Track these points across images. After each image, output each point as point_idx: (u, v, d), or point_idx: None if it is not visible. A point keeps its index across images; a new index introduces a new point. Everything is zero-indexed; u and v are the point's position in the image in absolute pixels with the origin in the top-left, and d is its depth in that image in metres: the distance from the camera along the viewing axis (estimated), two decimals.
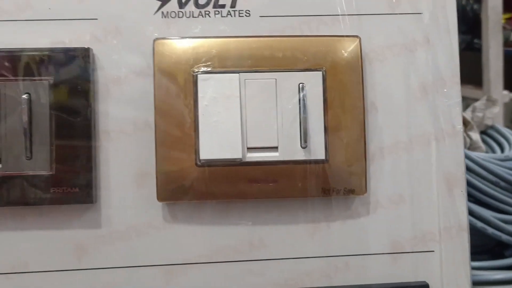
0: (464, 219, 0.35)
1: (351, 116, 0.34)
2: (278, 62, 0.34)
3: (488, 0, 1.46)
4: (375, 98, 0.35)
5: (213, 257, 0.34)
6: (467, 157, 0.61)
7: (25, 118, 0.32)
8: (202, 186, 0.33)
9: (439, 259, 0.35)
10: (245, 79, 0.34)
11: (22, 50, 0.33)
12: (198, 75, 0.33)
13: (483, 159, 0.66)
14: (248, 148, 0.33)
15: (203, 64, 0.34)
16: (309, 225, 0.34)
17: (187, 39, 0.34)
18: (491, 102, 0.79)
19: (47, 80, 0.33)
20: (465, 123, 0.73)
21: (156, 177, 0.33)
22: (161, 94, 0.33)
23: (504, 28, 1.53)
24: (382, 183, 0.35)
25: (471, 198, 0.63)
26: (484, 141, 0.78)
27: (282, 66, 0.34)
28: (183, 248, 0.34)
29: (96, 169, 0.33)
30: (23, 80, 0.32)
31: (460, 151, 0.35)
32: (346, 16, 0.35)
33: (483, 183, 0.65)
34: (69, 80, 0.33)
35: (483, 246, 0.66)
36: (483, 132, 0.80)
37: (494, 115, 0.79)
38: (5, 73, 0.32)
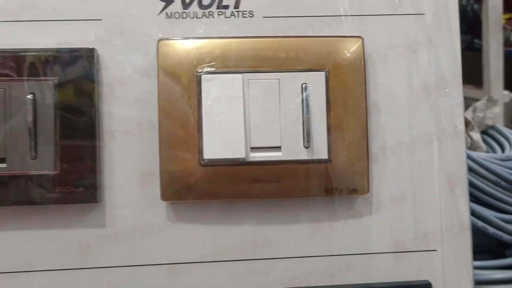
0: (466, 218, 0.35)
1: (354, 116, 0.34)
2: (281, 62, 0.34)
3: (488, 0, 1.46)
4: (378, 98, 0.35)
5: (217, 256, 0.34)
6: (468, 157, 0.61)
7: (30, 118, 0.32)
8: (205, 185, 0.33)
9: (442, 258, 0.35)
10: (248, 79, 0.34)
11: (27, 50, 0.33)
12: (202, 75, 0.34)
13: (484, 159, 0.66)
14: (251, 148, 0.33)
15: (207, 65, 0.34)
16: (312, 225, 0.35)
17: (191, 40, 0.34)
18: (491, 102, 0.79)
19: (51, 80, 0.33)
20: (466, 123, 0.73)
21: (160, 177, 0.33)
22: (165, 94, 0.34)
23: (504, 28, 1.53)
24: (385, 183, 0.35)
25: (472, 197, 0.64)
26: (484, 141, 0.78)
27: (285, 67, 0.34)
28: (187, 248, 0.34)
29: (100, 168, 0.34)
30: (28, 80, 0.33)
31: (462, 151, 0.35)
32: (349, 16, 0.35)
33: (484, 183, 0.66)
34: (73, 80, 0.33)
35: (484, 246, 0.66)
36: (483, 132, 0.80)
37: (495, 115, 0.79)
38: (10, 73, 0.33)
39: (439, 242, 0.35)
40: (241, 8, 0.35)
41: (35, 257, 0.33)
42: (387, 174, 0.35)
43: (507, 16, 1.65)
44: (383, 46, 0.35)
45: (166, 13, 0.35)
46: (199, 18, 0.35)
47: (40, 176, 0.32)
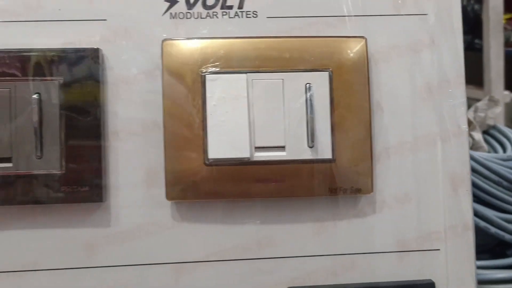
0: (469, 218, 0.35)
1: (357, 116, 0.35)
2: (285, 62, 0.34)
3: (489, 1, 1.46)
4: (381, 98, 0.36)
5: (222, 255, 0.34)
6: (470, 157, 0.61)
7: (35, 118, 0.32)
8: (210, 185, 0.34)
9: (445, 257, 0.35)
10: (252, 79, 0.34)
11: (32, 50, 0.33)
12: (206, 75, 0.34)
13: (485, 159, 0.67)
14: (255, 148, 0.34)
15: (211, 65, 0.34)
16: (316, 224, 0.35)
17: (195, 40, 0.34)
18: (493, 102, 0.79)
19: (57, 80, 0.33)
20: (468, 123, 0.74)
21: (165, 176, 0.33)
22: (169, 94, 0.34)
23: (505, 28, 1.53)
24: (388, 182, 0.35)
25: (474, 197, 0.64)
26: (486, 141, 0.78)
27: (289, 67, 0.34)
28: (191, 247, 0.34)
29: (105, 168, 0.34)
30: (33, 80, 0.33)
31: (465, 150, 0.36)
32: (352, 17, 0.36)
33: (485, 183, 0.66)
34: (78, 80, 0.33)
35: (485, 246, 0.67)
36: (485, 132, 0.81)
37: (496, 115, 0.79)
38: (16, 73, 0.33)
39: (443, 241, 0.35)
40: (245, 8, 0.35)
41: (41, 256, 0.33)
42: (390, 174, 0.35)
43: (508, 16, 1.65)
44: (386, 46, 0.36)
45: (171, 14, 0.35)
46: (203, 18, 0.35)
47: (46, 175, 0.33)
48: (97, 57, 0.33)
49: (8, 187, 0.32)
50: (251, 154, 0.33)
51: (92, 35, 0.34)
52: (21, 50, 0.33)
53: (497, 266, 0.65)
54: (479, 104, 0.80)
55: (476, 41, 1.60)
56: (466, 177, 0.36)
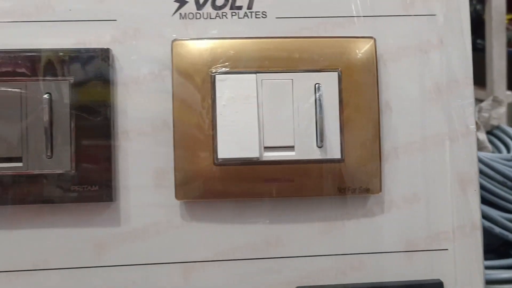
0: (477, 217, 0.36)
1: (366, 116, 0.35)
2: (294, 62, 0.35)
3: (491, 1, 1.46)
4: (390, 98, 0.36)
5: (230, 255, 0.34)
6: None
7: (46, 117, 0.32)
8: (219, 185, 0.34)
9: (453, 257, 0.35)
10: (262, 80, 0.34)
11: (43, 50, 0.33)
12: (216, 75, 0.34)
13: (490, 159, 0.67)
14: (265, 148, 0.34)
15: (221, 65, 0.34)
16: (325, 224, 0.35)
17: (205, 40, 0.34)
18: (497, 102, 0.79)
19: (67, 80, 0.33)
20: None
21: (174, 176, 0.34)
22: (179, 94, 0.34)
23: (507, 28, 1.53)
24: (397, 182, 0.35)
25: None
26: (490, 141, 0.79)
27: (298, 67, 0.34)
28: (200, 246, 0.34)
29: (115, 168, 0.34)
30: (44, 80, 0.33)
31: (474, 150, 0.36)
32: (361, 17, 0.36)
33: (490, 183, 0.66)
34: (89, 80, 0.33)
35: (489, 246, 0.67)
36: (488, 132, 0.81)
37: (500, 115, 0.79)
38: (26, 73, 0.33)
39: (451, 241, 0.35)
40: (254, 8, 0.35)
41: (51, 255, 0.33)
42: (399, 174, 0.35)
43: (510, 16, 1.65)
44: (395, 47, 0.36)
45: (180, 14, 0.35)
46: (213, 18, 0.35)
47: (56, 175, 0.33)
48: (107, 57, 0.34)
49: (18, 186, 0.33)
50: (261, 154, 0.33)
51: (102, 35, 0.34)
52: (32, 50, 0.33)
53: (502, 266, 0.65)
54: (483, 104, 0.80)
55: (479, 41, 1.60)
56: (474, 177, 0.36)
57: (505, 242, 0.66)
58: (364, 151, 0.35)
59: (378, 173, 0.35)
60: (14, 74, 0.33)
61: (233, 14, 0.35)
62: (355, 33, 0.35)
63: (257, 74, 0.34)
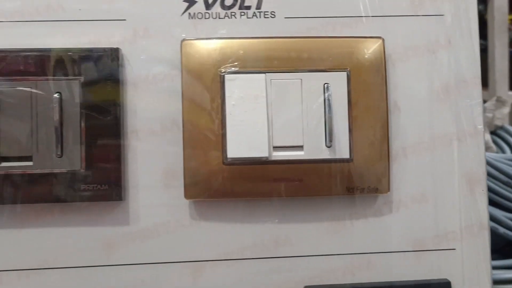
0: (485, 217, 0.36)
1: (375, 116, 0.35)
2: (303, 62, 0.35)
3: (493, 1, 1.46)
4: (398, 98, 0.36)
5: (240, 254, 0.34)
6: None
7: (56, 116, 0.33)
8: (228, 184, 0.34)
9: (461, 257, 0.36)
10: (271, 79, 0.34)
11: (53, 50, 0.33)
12: (225, 75, 0.34)
13: (494, 159, 0.67)
14: (274, 147, 0.34)
15: (230, 65, 0.34)
16: (334, 223, 0.35)
17: (214, 40, 0.35)
18: (500, 102, 0.79)
19: (77, 79, 0.33)
20: None
21: (184, 176, 0.34)
22: (188, 94, 0.34)
23: (509, 29, 1.53)
24: (405, 182, 0.35)
25: None
26: (494, 141, 0.79)
27: (307, 67, 0.35)
28: (209, 245, 0.34)
29: (125, 167, 0.34)
30: (54, 79, 0.33)
31: (481, 150, 0.36)
32: (370, 17, 0.36)
33: (494, 183, 0.66)
34: (98, 79, 0.33)
35: (494, 246, 0.67)
36: (492, 133, 0.81)
37: (504, 116, 0.79)
38: (37, 73, 0.33)
39: (459, 241, 0.36)
40: (263, 8, 0.35)
41: (61, 254, 0.34)
42: (407, 173, 0.36)
43: None
44: (404, 47, 0.36)
45: (189, 14, 0.35)
46: (222, 18, 0.35)
47: (66, 174, 0.33)
48: (117, 56, 0.34)
49: (28, 185, 0.33)
50: (270, 154, 0.34)
51: (112, 35, 0.34)
52: (42, 49, 0.33)
53: (506, 266, 0.65)
54: (486, 104, 0.80)
55: (481, 41, 1.60)
56: (482, 177, 0.36)
57: (509, 242, 0.66)
58: (373, 151, 0.35)
59: (386, 173, 0.35)
60: (25, 73, 0.33)
61: (242, 14, 0.35)
62: (364, 33, 0.36)
63: (266, 74, 0.34)
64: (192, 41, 0.34)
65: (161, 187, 0.34)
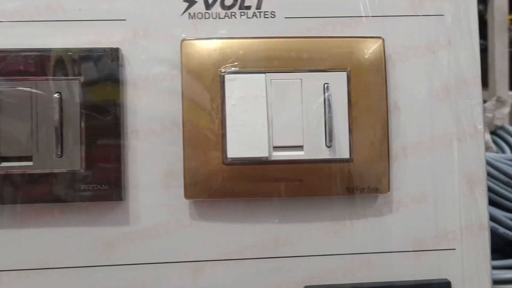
0: (485, 217, 0.36)
1: (375, 116, 0.35)
2: (303, 62, 0.35)
3: (493, 1, 1.46)
4: (398, 98, 0.36)
5: (240, 254, 0.34)
6: None
7: (56, 116, 0.33)
8: (228, 184, 0.34)
9: (461, 257, 0.36)
10: (271, 79, 0.34)
11: (53, 50, 0.33)
12: (225, 75, 0.34)
13: (494, 159, 0.67)
14: (274, 147, 0.34)
15: (230, 65, 0.34)
16: (333, 223, 0.35)
17: (214, 40, 0.35)
18: (500, 102, 0.79)
19: (77, 79, 0.33)
20: None
21: (184, 176, 0.34)
22: (188, 94, 0.34)
23: (509, 29, 1.53)
24: (405, 182, 0.35)
25: None
26: (494, 141, 0.79)
27: (307, 67, 0.35)
28: (209, 245, 0.34)
29: (124, 167, 0.34)
30: (54, 79, 0.33)
31: (481, 150, 0.36)
32: (370, 17, 0.36)
33: (494, 183, 0.66)
34: (98, 79, 0.33)
35: (493, 246, 0.67)
36: (492, 133, 0.81)
37: (504, 116, 0.79)
38: (37, 73, 0.33)
39: (459, 241, 0.36)
40: (263, 8, 0.35)
41: (60, 254, 0.34)
42: (407, 173, 0.36)
43: None
44: (403, 47, 0.36)
45: (189, 14, 0.35)
46: (222, 18, 0.35)
47: (66, 174, 0.33)
48: (117, 56, 0.34)
49: (28, 185, 0.33)
50: (270, 154, 0.34)
51: (112, 35, 0.34)
52: (42, 49, 0.33)
53: (506, 266, 0.65)
54: (486, 104, 0.80)
55: (481, 41, 1.60)
56: (482, 177, 0.36)
57: (509, 242, 0.66)
58: (373, 151, 0.35)
59: (386, 173, 0.35)
60: (25, 73, 0.33)
61: (242, 14, 0.35)
62: (364, 33, 0.36)
63: (266, 74, 0.34)
64: (192, 41, 0.35)
65: (161, 187, 0.34)
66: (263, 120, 0.34)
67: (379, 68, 0.35)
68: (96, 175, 0.33)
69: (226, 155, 0.33)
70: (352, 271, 0.35)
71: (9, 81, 0.33)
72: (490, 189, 0.66)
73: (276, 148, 0.34)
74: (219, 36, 0.35)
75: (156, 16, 0.35)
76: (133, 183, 0.34)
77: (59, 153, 0.33)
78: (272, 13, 0.35)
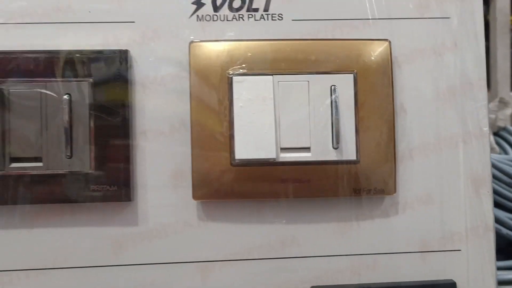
0: (490, 219, 0.36)
1: (381, 117, 0.35)
2: (310, 64, 0.35)
3: (496, 2, 1.46)
4: (404, 100, 0.36)
5: (247, 254, 0.35)
6: None
7: (66, 118, 0.33)
8: (236, 185, 0.34)
9: (466, 258, 0.36)
10: (278, 81, 0.34)
11: (63, 51, 0.34)
12: (233, 77, 0.34)
13: (497, 161, 0.67)
14: (281, 149, 0.34)
15: (238, 66, 0.34)
16: (340, 224, 0.35)
17: (222, 42, 0.35)
18: (503, 104, 0.80)
19: (87, 81, 0.33)
20: None
21: (192, 176, 0.34)
22: (197, 95, 0.34)
23: (511, 30, 1.54)
24: (411, 183, 0.36)
25: None
26: (496, 142, 0.79)
27: (314, 69, 0.35)
28: (217, 246, 0.35)
29: (133, 168, 0.34)
30: (64, 81, 0.33)
31: (487, 152, 0.36)
32: (377, 20, 0.36)
33: (497, 184, 0.66)
34: (107, 81, 0.34)
35: (496, 246, 0.67)
36: (495, 134, 0.81)
37: (507, 117, 0.79)
38: (47, 74, 0.33)
39: (464, 242, 0.36)
40: (270, 11, 0.36)
41: (69, 254, 0.34)
42: (413, 175, 0.36)
43: None
44: (410, 49, 0.36)
45: (197, 16, 0.35)
46: (230, 20, 0.36)
47: (75, 175, 0.33)
48: (126, 58, 0.34)
49: (38, 186, 0.33)
50: (277, 155, 0.34)
51: (121, 36, 0.35)
52: (52, 51, 0.34)
53: (509, 267, 0.65)
54: (489, 105, 0.80)
55: None
56: (487, 179, 0.36)
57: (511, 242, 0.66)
58: (379, 152, 0.35)
59: (392, 174, 0.35)
60: (34, 75, 0.33)
61: (250, 16, 0.36)
62: (370, 36, 0.36)
63: (274, 76, 0.34)
64: (200, 43, 0.35)
65: (169, 188, 0.34)
66: (271, 121, 0.34)
67: (386, 70, 0.35)
68: (105, 176, 0.33)
69: (234, 156, 0.34)
70: (359, 271, 0.35)
71: (19, 82, 0.33)
72: (493, 191, 0.66)
73: (284, 149, 0.34)
74: (227, 38, 0.35)
75: (165, 18, 0.35)
76: (142, 183, 0.34)
77: (68, 154, 0.33)
78: (280, 15, 0.36)
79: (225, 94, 0.34)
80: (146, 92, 0.35)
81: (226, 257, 0.35)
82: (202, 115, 0.34)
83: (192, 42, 0.35)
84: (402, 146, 0.36)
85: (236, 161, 0.34)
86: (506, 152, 0.77)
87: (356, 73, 0.35)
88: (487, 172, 0.36)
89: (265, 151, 0.34)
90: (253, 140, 0.34)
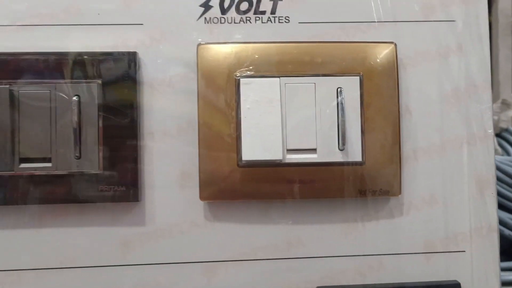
0: (494, 220, 0.36)
1: (387, 119, 0.35)
2: (317, 67, 0.35)
3: (497, 4, 1.47)
4: (409, 102, 0.36)
5: (253, 254, 0.35)
6: None
7: (75, 119, 0.33)
8: (243, 186, 0.34)
9: (470, 259, 0.36)
10: (285, 83, 0.35)
11: (72, 53, 0.34)
12: (240, 79, 0.35)
13: (499, 162, 0.67)
14: (288, 150, 0.34)
15: (245, 69, 0.35)
16: (345, 225, 0.36)
17: (229, 44, 0.35)
18: (506, 105, 0.80)
19: (95, 82, 0.34)
20: None
21: (199, 177, 0.34)
22: (204, 97, 0.35)
23: None
24: (416, 184, 0.36)
25: None
26: (499, 144, 0.79)
27: (320, 71, 0.35)
28: (224, 246, 0.35)
29: (141, 168, 0.35)
30: (73, 82, 0.34)
31: (491, 154, 0.36)
32: (382, 23, 0.36)
33: (500, 185, 0.67)
34: (116, 82, 0.34)
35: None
36: (497, 135, 0.81)
37: (509, 118, 0.80)
38: (56, 76, 0.34)
39: (468, 243, 0.36)
40: (277, 13, 0.36)
41: (78, 253, 0.34)
42: (418, 176, 0.36)
43: None
44: (415, 52, 0.36)
45: (205, 18, 0.36)
46: (237, 23, 0.36)
47: (84, 175, 0.34)
48: (134, 60, 0.34)
49: (47, 186, 0.33)
50: (284, 156, 0.34)
51: (129, 39, 0.35)
52: (61, 53, 0.34)
53: (510, 268, 0.65)
54: None
55: None
56: (491, 180, 0.36)
57: None
58: (384, 154, 0.35)
59: (397, 176, 0.35)
60: (44, 76, 0.34)
61: (257, 18, 0.36)
62: (376, 38, 0.36)
63: (281, 78, 0.35)
64: (208, 45, 0.35)
65: (177, 188, 0.35)
66: (278, 123, 0.34)
67: (391, 73, 0.36)
68: (113, 176, 0.34)
69: (241, 157, 0.34)
70: (364, 272, 0.36)
71: (29, 83, 0.33)
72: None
73: (290, 151, 0.34)
74: (234, 40, 0.36)
75: (173, 20, 0.35)
76: (149, 184, 0.35)
77: (77, 154, 0.33)
78: (287, 18, 0.36)
79: (232, 95, 0.35)
80: (154, 93, 0.35)
81: (232, 257, 0.35)
82: (210, 116, 0.35)
83: (199, 44, 0.35)
84: (407, 148, 0.36)
85: (243, 162, 0.34)
86: (508, 154, 0.77)
87: (362, 75, 0.35)
88: (492, 173, 0.36)
89: (272, 152, 0.34)
90: (260, 141, 0.34)
